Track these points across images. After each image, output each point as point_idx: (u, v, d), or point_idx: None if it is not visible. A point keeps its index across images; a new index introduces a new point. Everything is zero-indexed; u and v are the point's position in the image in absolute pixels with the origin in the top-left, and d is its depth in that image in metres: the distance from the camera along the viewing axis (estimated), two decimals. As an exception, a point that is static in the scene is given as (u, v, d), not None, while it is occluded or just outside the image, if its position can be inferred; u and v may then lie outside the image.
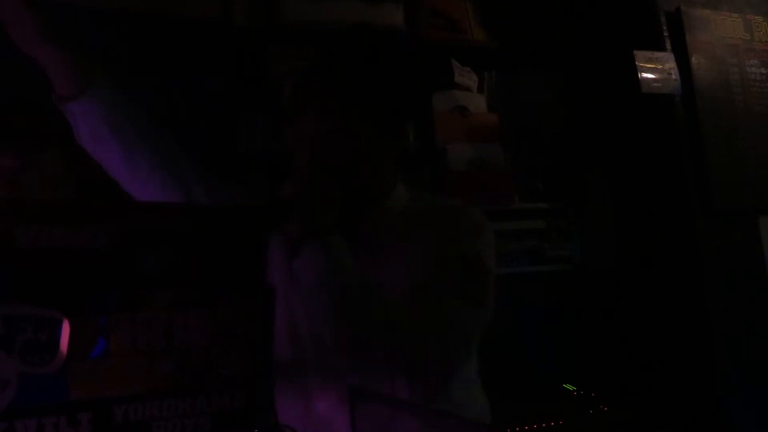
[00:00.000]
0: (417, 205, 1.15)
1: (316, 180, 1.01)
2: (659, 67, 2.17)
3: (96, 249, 1.01)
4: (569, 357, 2.23)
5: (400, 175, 1.18)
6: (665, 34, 2.20)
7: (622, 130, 2.29)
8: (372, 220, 1.12)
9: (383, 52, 1.18)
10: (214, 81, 2.18)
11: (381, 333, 0.95)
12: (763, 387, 1.98)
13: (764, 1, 2.36)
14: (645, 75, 2.15)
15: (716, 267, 2.08)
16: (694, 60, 2.16)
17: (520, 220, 2.29)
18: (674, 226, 2.15)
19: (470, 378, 1.10)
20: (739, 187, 2.11)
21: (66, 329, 0.98)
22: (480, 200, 2.05)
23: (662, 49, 2.19)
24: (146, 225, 1.01)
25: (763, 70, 2.23)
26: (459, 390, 1.05)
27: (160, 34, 2.11)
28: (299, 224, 0.97)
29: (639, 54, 2.15)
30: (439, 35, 2.35)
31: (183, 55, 2.14)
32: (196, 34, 2.15)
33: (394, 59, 1.20)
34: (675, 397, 2.05)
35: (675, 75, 2.17)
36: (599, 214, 2.33)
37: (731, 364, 2.01)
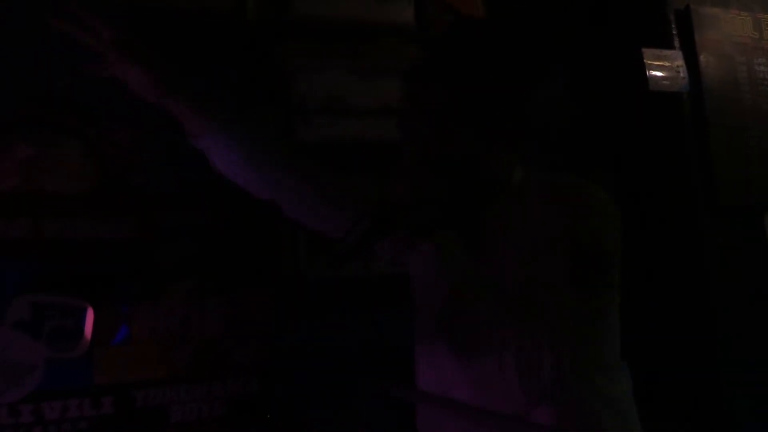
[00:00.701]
0: (536, 188, 1.12)
1: (424, 180, 1.04)
2: (667, 64, 2.22)
3: (120, 240, 1.08)
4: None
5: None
6: (674, 32, 2.24)
7: (629, 126, 2.34)
8: (492, 210, 1.09)
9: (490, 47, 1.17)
10: (223, 74, 2.23)
11: (490, 330, 0.97)
12: (761, 375, 2.02)
13: (774, -1, 2.39)
14: (653, 73, 2.19)
15: (721, 263, 2.12)
16: (702, 58, 2.20)
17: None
18: (680, 223, 2.20)
19: (606, 370, 1.06)
20: (745, 185, 2.16)
21: (90, 317, 1.05)
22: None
23: (671, 47, 2.24)
24: (167, 217, 1.07)
25: (771, 69, 2.27)
26: (586, 400, 1.00)
27: (171, 27, 2.15)
28: (410, 226, 1.02)
29: (647, 52, 2.20)
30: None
31: (194, 48, 2.18)
32: (207, 28, 2.20)
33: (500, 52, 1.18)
34: (678, 395, 2.10)
35: (683, 73, 2.21)
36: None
37: (735, 362, 2.06)
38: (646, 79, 2.21)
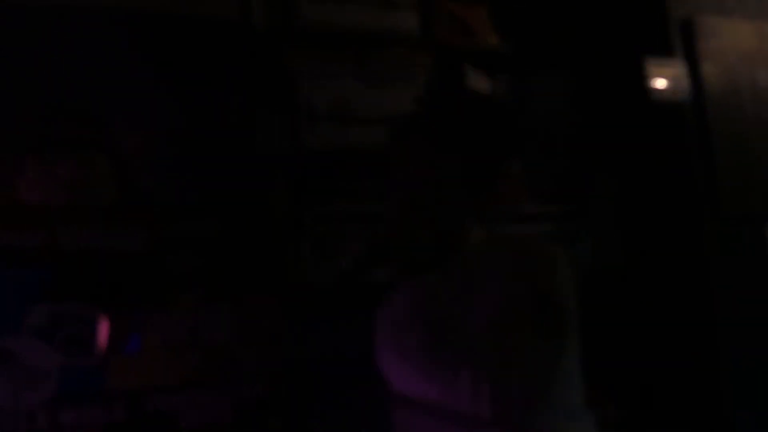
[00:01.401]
0: (495, 247, 1.21)
1: (409, 223, 1.14)
2: (670, 74, 2.26)
3: (132, 251, 1.13)
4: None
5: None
6: (676, 41, 2.27)
7: (632, 135, 2.38)
8: (456, 260, 1.18)
9: (473, 109, 1.26)
10: (232, 81, 2.28)
11: (466, 364, 1.06)
12: (763, 382, 2.06)
13: (776, 9, 2.43)
14: (656, 82, 2.23)
15: (723, 271, 2.16)
16: (704, 68, 2.25)
17: (530, 222, 2.37)
18: (683, 231, 2.24)
19: (571, 411, 1.12)
20: (747, 194, 2.20)
21: (104, 325, 1.10)
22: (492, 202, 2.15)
23: (673, 56, 2.27)
24: (177, 229, 1.12)
25: (774, 78, 2.31)
26: (555, 422, 1.08)
27: (178, 34, 2.20)
28: (397, 264, 1.14)
29: (651, 61, 2.24)
30: (453, 39, 2.44)
31: (201, 55, 2.23)
32: (215, 35, 2.25)
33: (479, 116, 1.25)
34: (680, 398, 2.14)
35: (686, 82, 2.25)
36: (609, 218, 2.42)
37: (736, 367, 2.09)
38: (649, 89, 2.24)
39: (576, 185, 2.49)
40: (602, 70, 2.49)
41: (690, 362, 2.21)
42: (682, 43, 2.33)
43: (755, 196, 2.25)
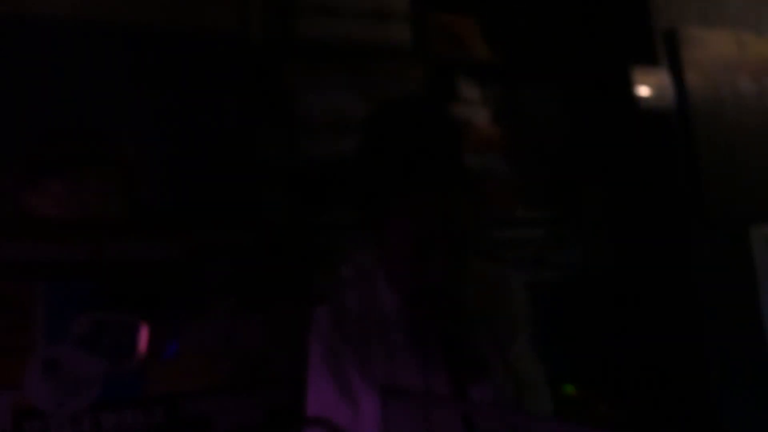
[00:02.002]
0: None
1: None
2: (656, 83, 2.37)
3: (170, 261, 1.20)
4: (569, 360, 2.42)
5: None
6: (661, 51, 2.39)
7: (620, 142, 2.50)
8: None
9: None
10: (230, 93, 2.33)
11: None
12: (752, 387, 2.18)
13: (757, 19, 2.56)
14: (642, 90, 2.35)
15: (709, 273, 2.28)
16: (688, 76, 2.37)
17: (522, 227, 2.46)
18: (670, 235, 2.35)
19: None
20: (731, 199, 2.32)
21: (144, 333, 1.17)
22: (484, 208, 2.25)
23: (658, 65, 2.38)
24: (213, 239, 1.19)
25: (754, 86, 2.44)
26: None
27: (175, 46, 2.25)
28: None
29: (637, 71, 2.35)
30: (445, 51, 2.53)
31: (199, 66, 2.28)
32: (212, 48, 2.30)
33: None
34: (670, 398, 2.25)
35: (670, 91, 2.37)
36: (598, 223, 2.53)
37: (723, 366, 2.20)
38: (635, 97, 2.35)
39: (566, 191, 2.59)
40: (590, 79, 2.59)
41: (678, 361, 2.32)
42: (666, 52, 2.45)
43: (738, 201, 2.37)
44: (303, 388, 1.26)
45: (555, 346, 2.45)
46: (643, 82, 2.41)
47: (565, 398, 2.34)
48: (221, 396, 1.22)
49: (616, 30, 2.55)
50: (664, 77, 2.44)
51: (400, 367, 1.18)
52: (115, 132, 1.89)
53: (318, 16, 2.47)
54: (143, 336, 1.15)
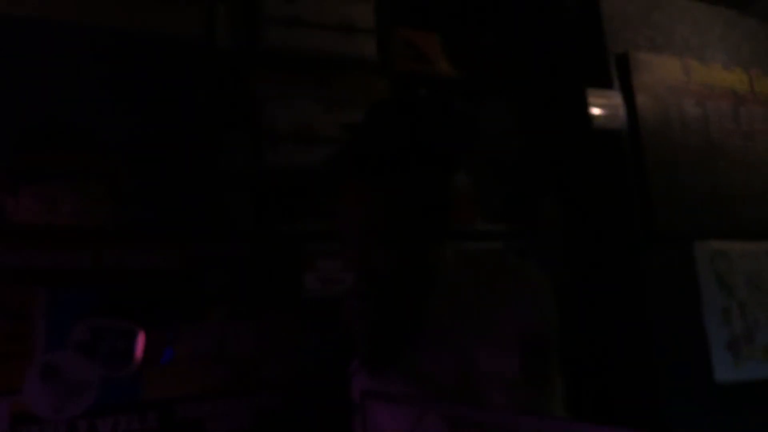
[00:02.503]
0: (479, 277, 1.16)
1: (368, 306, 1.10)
2: (608, 104, 2.51)
3: (166, 270, 1.24)
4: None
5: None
6: (614, 74, 2.54)
7: (574, 159, 2.63)
8: (431, 306, 1.14)
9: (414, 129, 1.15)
10: (195, 99, 2.36)
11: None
12: (696, 389, 2.33)
13: (701, 47, 2.75)
14: (595, 111, 2.49)
15: (657, 284, 2.43)
16: (639, 99, 2.53)
17: (480, 240, 2.56)
18: (620, 248, 2.49)
19: None
20: (677, 215, 2.48)
21: (141, 339, 1.21)
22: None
23: (611, 87, 2.54)
24: (208, 249, 1.24)
25: (698, 110, 2.62)
26: None
27: (142, 50, 2.27)
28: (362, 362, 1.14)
29: (591, 91, 2.50)
30: (409, 65, 2.62)
31: (164, 72, 2.31)
32: (178, 53, 2.33)
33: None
34: (620, 403, 2.38)
35: (622, 112, 2.53)
36: (553, 236, 2.66)
37: (670, 371, 2.35)
38: (589, 117, 2.49)
39: (523, 205, 2.71)
40: (546, 98, 2.73)
41: (629, 367, 2.45)
42: (618, 75, 2.59)
43: (684, 217, 2.53)
44: (291, 393, 1.32)
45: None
46: (597, 103, 2.54)
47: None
48: (214, 400, 1.26)
49: (573, 52, 2.68)
50: (616, 98, 2.58)
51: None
52: (100, 139, 1.90)
53: (284, 26, 2.52)
54: (140, 342, 1.19)
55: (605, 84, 2.62)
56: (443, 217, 1.15)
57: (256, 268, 1.27)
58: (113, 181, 1.57)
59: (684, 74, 2.72)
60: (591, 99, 2.55)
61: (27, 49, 2.22)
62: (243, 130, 2.42)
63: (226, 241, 1.25)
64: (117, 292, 1.19)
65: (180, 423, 1.25)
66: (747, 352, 2.57)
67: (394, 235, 1.06)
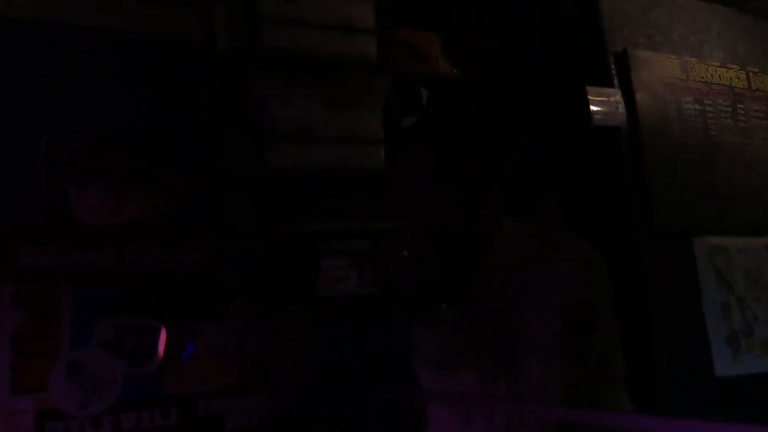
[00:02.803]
0: (529, 246, 1.22)
1: (423, 258, 1.18)
2: (608, 101, 2.56)
3: (188, 267, 1.27)
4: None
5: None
6: (613, 72, 2.59)
7: (573, 157, 2.68)
8: (485, 270, 1.20)
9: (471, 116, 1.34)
10: (196, 100, 2.39)
11: (483, 391, 1.12)
12: (696, 383, 2.38)
13: (698, 44, 2.81)
14: (595, 108, 2.54)
15: (657, 281, 2.48)
16: (638, 96, 2.58)
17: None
18: (620, 245, 2.54)
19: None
20: (676, 212, 2.53)
21: (163, 336, 1.24)
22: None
23: (611, 85, 2.60)
24: (228, 247, 1.27)
25: (697, 107, 2.67)
26: None
27: (141, 52, 2.30)
28: (410, 303, 1.21)
29: (590, 89, 2.55)
30: (409, 65, 2.66)
31: (165, 75, 2.34)
32: (178, 55, 2.36)
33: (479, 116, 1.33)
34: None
35: (621, 109, 2.58)
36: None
37: (671, 365, 2.40)
38: (589, 114, 2.53)
39: (523, 202, 2.75)
40: (546, 96, 2.77)
41: (630, 358, 2.49)
42: (617, 73, 2.64)
43: (683, 214, 2.58)
44: (308, 388, 1.36)
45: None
46: (597, 100, 2.59)
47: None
48: (233, 396, 1.29)
49: (573, 50, 2.73)
50: (616, 96, 2.63)
51: None
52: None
53: (284, 26, 2.54)
54: (162, 339, 1.22)
55: (605, 82, 2.67)
56: (492, 183, 1.25)
57: (273, 266, 1.31)
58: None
59: (682, 72, 2.77)
60: (591, 96, 2.60)
61: (24, 49, 2.25)
62: (243, 130, 2.45)
63: (243, 239, 1.29)
64: (139, 290, 1.22)
65: (201, 418, 1.27)
66: (746, 346, 2.62)
67: (449, 194, 1.16)
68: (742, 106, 2.85)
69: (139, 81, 2.38)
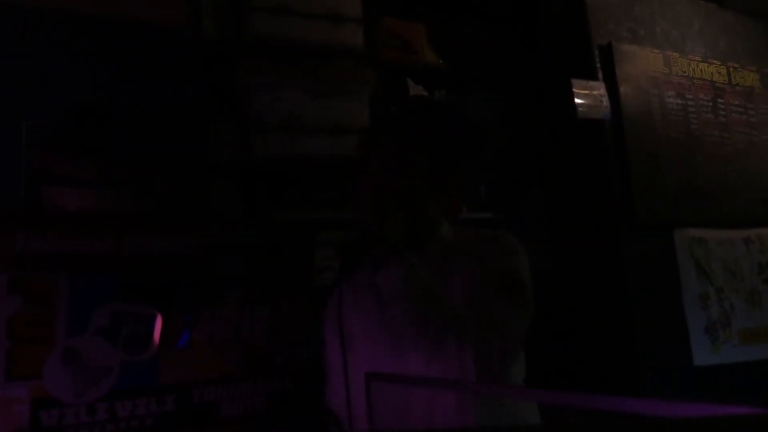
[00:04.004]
0: (462, 236, 1.41)
1: (383, 208, 1.31)
2: (592, 94, 2.59)
3: (184, 255, 1.27)
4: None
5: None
6: (598, 65, 2.61)
7: (558, 149, 2.71)
8: (430, 247, 1.36)
9: (442, 123, 1.45)
10: (183, 90, 2.38)
11: (452, 331, 1.23)
12: (676, 372, 2.43)
13: (681, 39, 2.84)
14: (579, 101, 2.56)
15: (638, 272, 2.52)
16: (621, 89, 2.61)
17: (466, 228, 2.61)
18: (603, 236, 2.58)
19: (519, 382, 1.37)
20: (658, 204, 2.57)
21: (159, 323, 1.24)
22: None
23: (595, 78, 2.62)
24: (224, 236, 1.28)
25: (679, 101, 2.71)
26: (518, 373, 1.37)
27: (129, 40, 2.28)
28: (379, 245, 1.28)
29: (575, 82, 2.57)
30: (395, 55, 2.68)
31: (152, 62, 2.32)
32: (165, 43, 2.34)
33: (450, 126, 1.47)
34: (601, 386, 2.47)
35: (605, 102, 2.60)
36: (537, 225, 2.73)
37: (650, 355, 2.44)
38: (573, 106, 2.56)
39: (508, 194, 2.78)
40: (532, 87, 2.79)
41: (610, 349, 2.54)
42: (602, 67, 2.66)
43: (664, 206, 2.62)
44: (304, 377, 1.37)
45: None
46: (581, 93, 2.62)
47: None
48: (228, 384, 1.30)
49: (558, 43, 2.75)
50: (600, 89, 2.65)
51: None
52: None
53: (271, 16, 2.53)
54: (158, 326, 1.22)
55: (589, 75, 2.69)
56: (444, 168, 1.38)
57: (268, 256, 1.31)
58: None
59: (665, 66, 2.81)
60: (575, 89, 2.62)
61: (7, 35, 2.22)
62: (230, 119, 2.44)
63: (232, 228, 1.29)
64: (136, 278, 1.22)
65: (196, 406, 1.28)
66: (724, 336, 2.68)
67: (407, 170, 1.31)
68: (722, 100, 2.90)
69: (125, 69, 2.36)
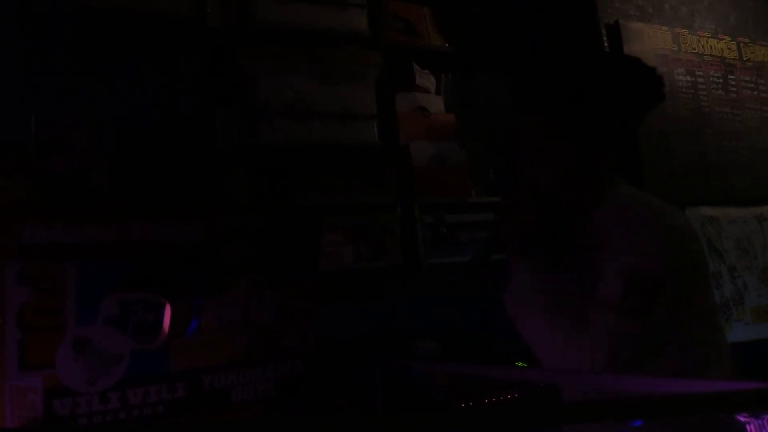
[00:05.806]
0: (626, 213, 1.27)
1: (519, 208, 1.29)
2: (600, 73, 2.55)
3: (192, 242, 1.28)
4: (520, 338, 2.60)
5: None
6: (605, 43, 2.59)
7: (566, 129, 2.68)
8: (583, 229, 1.30)
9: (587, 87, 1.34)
10: (189, 78, 2.38)
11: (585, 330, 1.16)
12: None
13: (690, 16, 2.81)
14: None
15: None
16: (630, 68, 2.56)
17: (476, 212, 2.61)
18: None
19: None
20: (668, 182, 2.55)
21: (168, 311, 1.25)
22: (440, 194, 2.40)
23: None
24: (231, 222, 1.28)
25: (688, 78, 2.68)
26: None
27: (134, 29, 2.29)
28: (508, 246, 1.28)
29: (583, 61, 2.53)
30: (400, 39, 2.67)
31: (158, 51, 2.33)
32: (170, 31, 2.35)
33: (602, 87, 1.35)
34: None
35: (614, 81, 2.56)
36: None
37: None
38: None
39: (514, 177, 2.76)
40: (539, 69, 2.77)
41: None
42: (610, 45, 2.64)
43: (675, 184, 2.61)
44: (311, 360, 1.37)
45: (507, 325, 2.63)
46: (589, 73, 2.58)
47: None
48: (238, 369, 1.31)
49: (565, 22, 2.73)
50: (608, 68, 2.62)
51: None
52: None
53: (275, 1, 2.53)
54: (167, 314, 1.23)
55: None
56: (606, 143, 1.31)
57: (276, 241, 1.32)
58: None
59: (674, 43, 2.79)
60: (583, 69, 2.58)
61: (13, 27, 2.23)
62: (237, 106, 2.45)
63: (241, 213, 1.29)
64: (144, 265, 1.23)
65: (208, 392, 1.29)
66: (737, 314, 2.66)
67: (557, 160, 1.27)
68: (732, 77, 2.87)
69: (130, 58, 2.37)
